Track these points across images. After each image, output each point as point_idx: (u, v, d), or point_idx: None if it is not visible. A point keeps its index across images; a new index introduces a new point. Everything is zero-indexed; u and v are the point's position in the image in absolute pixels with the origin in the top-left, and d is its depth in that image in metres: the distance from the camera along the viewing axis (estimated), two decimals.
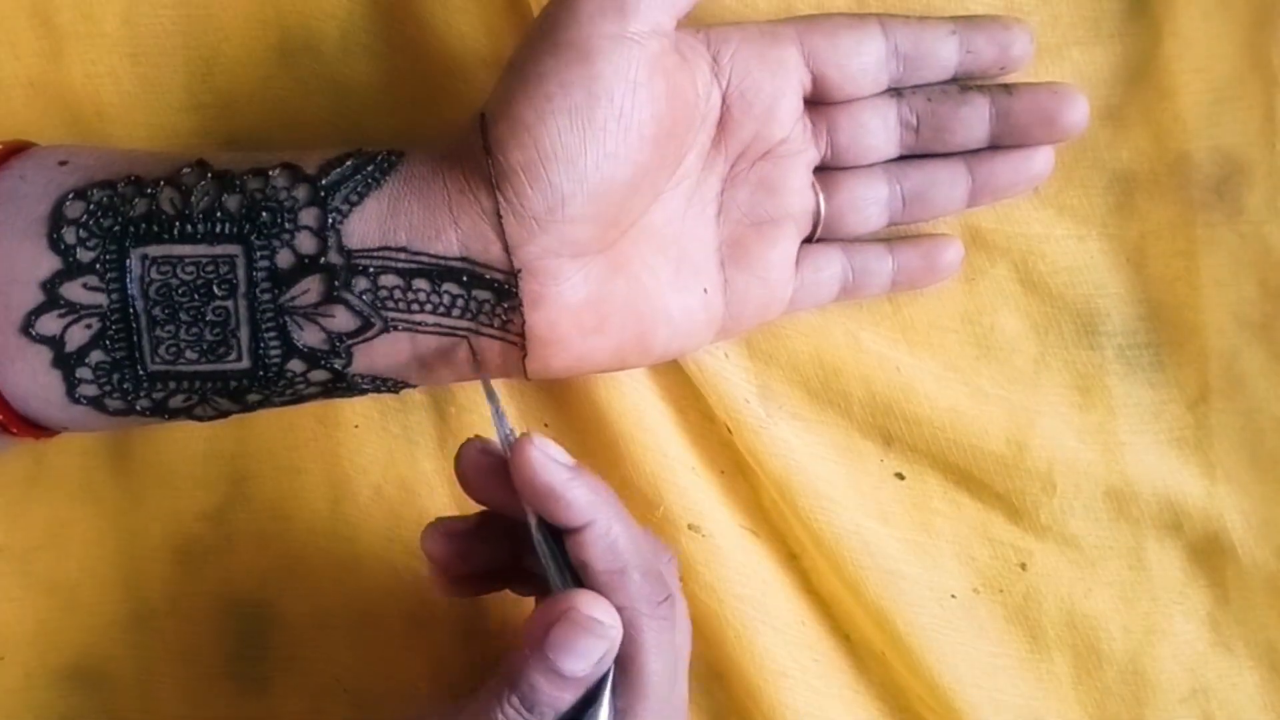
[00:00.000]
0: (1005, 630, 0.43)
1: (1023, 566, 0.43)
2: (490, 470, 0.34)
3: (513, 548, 0.36)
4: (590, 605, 0.32)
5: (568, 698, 0.32)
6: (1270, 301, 0.42)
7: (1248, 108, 0.42)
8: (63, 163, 0.36)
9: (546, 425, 0.43)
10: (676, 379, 0.43)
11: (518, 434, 0.33)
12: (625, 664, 0.33)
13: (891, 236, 0.42)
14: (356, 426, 0.42)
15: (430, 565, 0.36)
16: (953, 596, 0.43)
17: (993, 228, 0.42)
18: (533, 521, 0.33)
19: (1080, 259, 0.43)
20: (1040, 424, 0.43)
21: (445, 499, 0.43)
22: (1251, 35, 0.41)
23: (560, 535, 0.33)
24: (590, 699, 0.33)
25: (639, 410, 0.42)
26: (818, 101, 0.40)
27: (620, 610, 0.33)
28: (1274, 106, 0.42)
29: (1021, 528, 0.43)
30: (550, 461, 0.32)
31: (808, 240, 0.41)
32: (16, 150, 0.37)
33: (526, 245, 0.34)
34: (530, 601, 0.38)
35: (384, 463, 0.43)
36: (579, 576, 0.33)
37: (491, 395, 0.35)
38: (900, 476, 0.43)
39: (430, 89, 0.41)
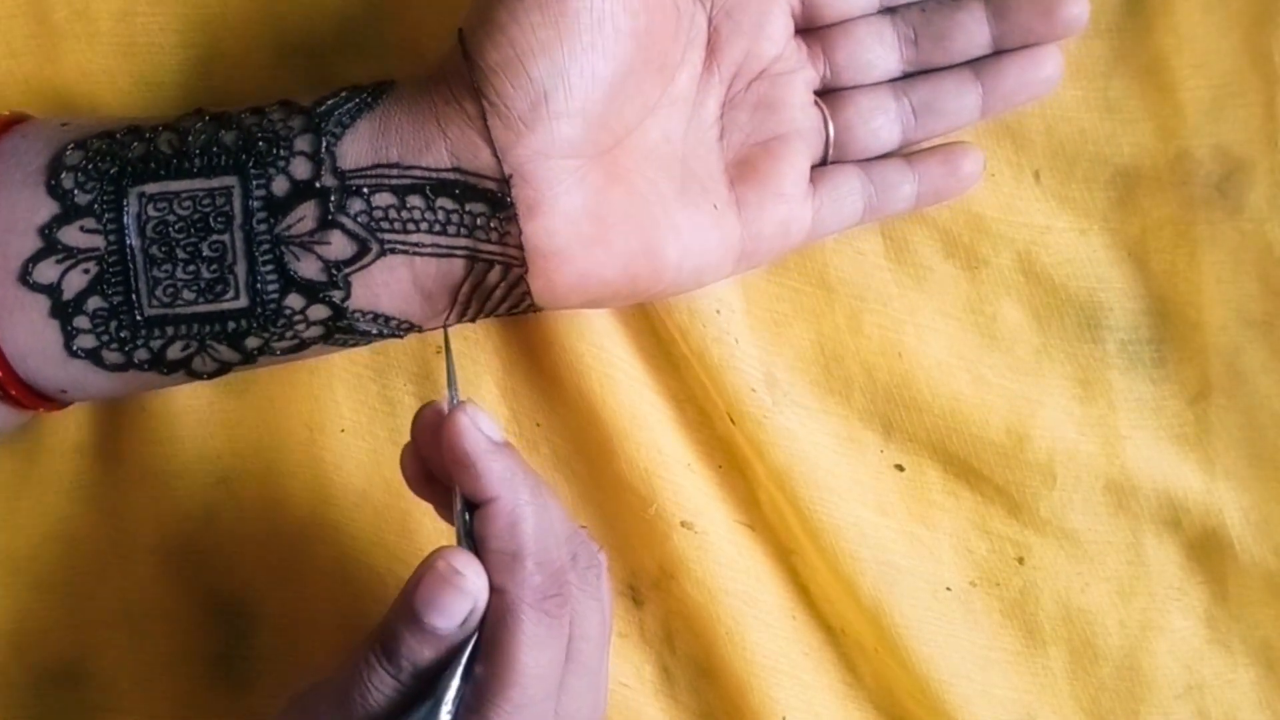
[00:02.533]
0: (1001, 624, 0.43)
1: (1020, 560, 0.43)
2: (436, 431, 0.34)
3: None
4: (455, 557, 0.32)
5: (428, 654, 0.32)
6: (1272, 299, 0.42)
7: (1248, 105, 0.42)
8: (64, 124, 0.37)
9: (539, 425, 0.43)
10: (674, 374, 0.43)
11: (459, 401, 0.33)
12: (493, 650, 0.32)
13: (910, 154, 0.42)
14: (343, 430, 0.42)
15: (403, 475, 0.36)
16: (948, 589, 0.43)
17: (996, 216, 0.42)
18: (456, 490, 0.33)
19: (1082, 252, 0.43)
20: (1041, 415, 0.42)
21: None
22: (1251, 31, 0.42)
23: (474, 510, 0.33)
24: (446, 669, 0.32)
25: (634, 408, 0.42)
26: (812, 27, 0.40)
27: (500, 593, 0.32)
28: (1275, 104, 0.42)
29: (1020, 521, 0.43)
30: (474, 430, 0.32)
31: (823, 164, 0.41)
32: (20, 119, 0.37)
33: (514, 147, 0.34)
34: None
35: (369, 467, 0.43)
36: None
37: (450, 360, 0.35)
38: (900, 468, 0.43)
39: None
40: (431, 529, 0.42)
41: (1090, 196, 0.42)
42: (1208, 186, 0.42)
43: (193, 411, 0.42)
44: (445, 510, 0.36)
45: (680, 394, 0.43)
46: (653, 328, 0.43)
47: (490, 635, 0.32)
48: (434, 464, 0.34)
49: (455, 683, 0.31)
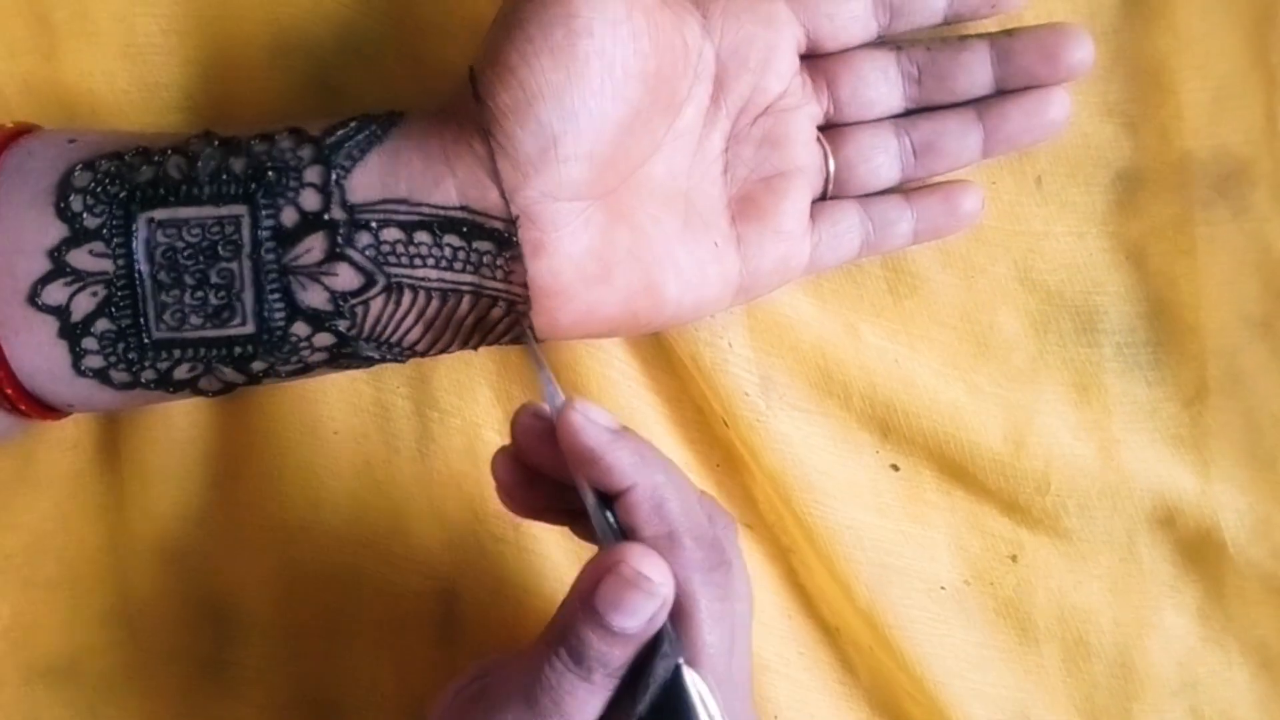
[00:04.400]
0: (995, 622, 0.43)
1: (1014, 559, 0.43)
2: (543, 435, 0.33)
3: (570, 502, 0.35)
4: (640, 560, 0.31)
5: (618, 654, 0.31)
6: (1272, 300, 0.42)
7: (1249, 106, 0.41)
8: (71, 141, 0.37)
9: None
10: (671, 375, 0.43)
11: (562, 399, 0.33)
12: (678, 634, 0.32)
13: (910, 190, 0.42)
14: (336, 433, 0.42)
15: (497, 486, 0.35)
16: (942, 588, 0.43)
17: (994, 225, 0.42)
18: (583, 486, 0.33)
19: (1079, 256, 0.43)
20: (1037, 422, 0.42)
21: (424, 506, 0.42)
22: (1251, 32, 0.41)
23: (611, 501, 0.33)
24: (649, 655, 0.31)
25: (631, 408, 0.42)
26: (814, 56, 0.40)
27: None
28: (1275, 105, 0.41)
29: (1014, 520, 0.43)
30: (591, 424, 0.32)
31: (822, 198, 0.41)
32: (26, 131, 0.37)
33: (523, 189, 0.34)
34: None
35: (362, 470, 0.42)
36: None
37: (539, 361, 0.35)
38: (895, 468, 0.43)
39: (426, 93, 0.41)
40: (423, 533, 0.42)
41: (1090, 200, 0.42)
42: (1208, 188, 0.42)
43: (188, 413, 0.42)
44: (553, 514, 0.35)
45: (678, 395, 0.43)
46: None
47: (671, 620, 0.32)
48: (546, 466, 0.34)
49: (659, 679, 0.31)
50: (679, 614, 0.32)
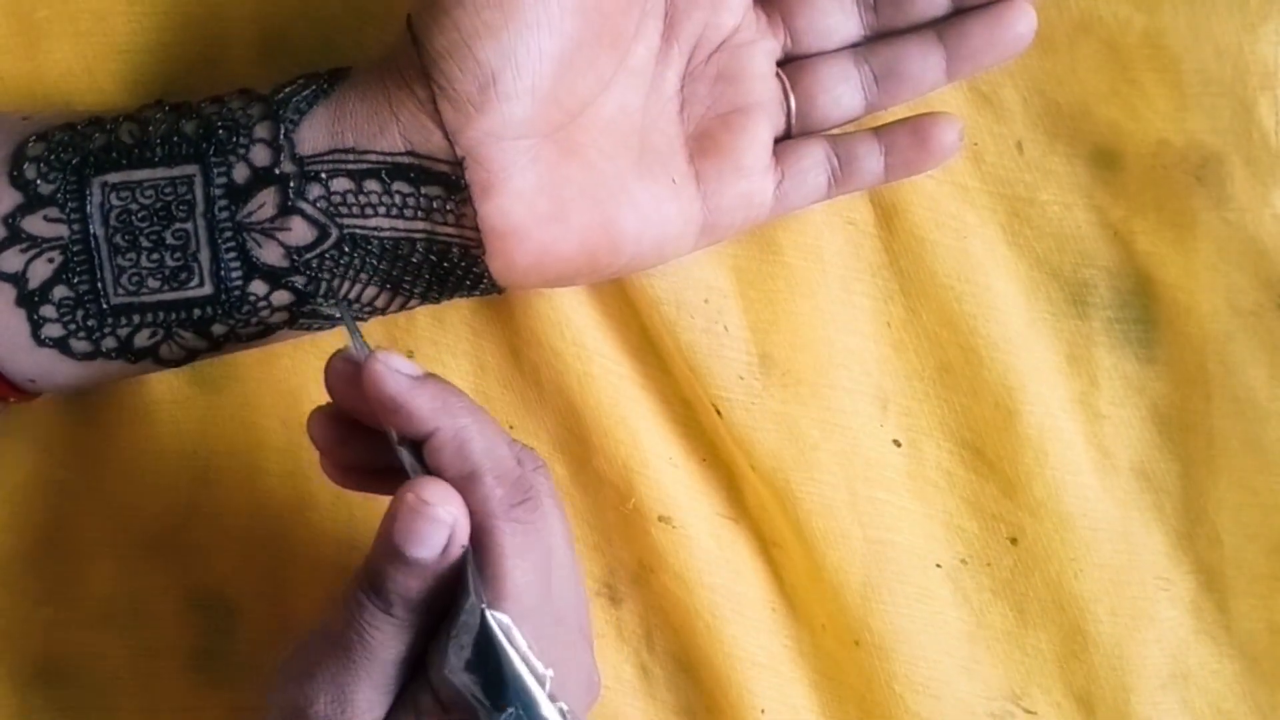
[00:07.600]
0: (990, 603, 0.43)
1: (1014, 541, 0.43)
2: (354, 380, 0.33)
3: (391, 462, 0.35)
4: (423, 488, 0.31)
5: (415, 585, 0.31)
6: (1261, 290, 0.42)
7: (1219, 95, 0.42)
8: (25, 118, 0.37)
9: (512, 427, 0.43)
10: (659, 368, 0.43)
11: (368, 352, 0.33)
12: (482, 570, 0.32)
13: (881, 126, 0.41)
14: None
15: (317, 451, 0.35)
16: (938, 566, 0.43)
17: (980, 186, 0.42)
18: (392, 435, 0.33)
19: (1067, 226, 0.43)
20: (1030, 389, 0.42)
21: None
22: (1228, 25, 0.41)
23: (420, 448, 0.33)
24: (454, 594, 0.32)
25: (614, 404, 0.42)
26: None
27: (472, 514, 0.32)
28: (1246, 98, 0.41)
29: (1015, 502, 0.43)
30: (391, 372, 0.32)
31: (787, 137, 0.41)
32: None
33: (466, 130, 0.35)
34: None
35: None
36: None
37: (348, 320, 0.34)
38: (897, 444, 0.43)
39: None
40: None
41: (1073, 170, 0.42)
42: (1187, 173, 0.42)
43: (171, 408, 0.42)
44: (375, 481, 0.35)
45: (665, 389, 0.43)
46: (640, 324, 0.43)
47: (477, 558, 0.32)
48: (362, 414, 0.34)
49: (464, 622, 0.31)
50: (482, 552, 0.32)
